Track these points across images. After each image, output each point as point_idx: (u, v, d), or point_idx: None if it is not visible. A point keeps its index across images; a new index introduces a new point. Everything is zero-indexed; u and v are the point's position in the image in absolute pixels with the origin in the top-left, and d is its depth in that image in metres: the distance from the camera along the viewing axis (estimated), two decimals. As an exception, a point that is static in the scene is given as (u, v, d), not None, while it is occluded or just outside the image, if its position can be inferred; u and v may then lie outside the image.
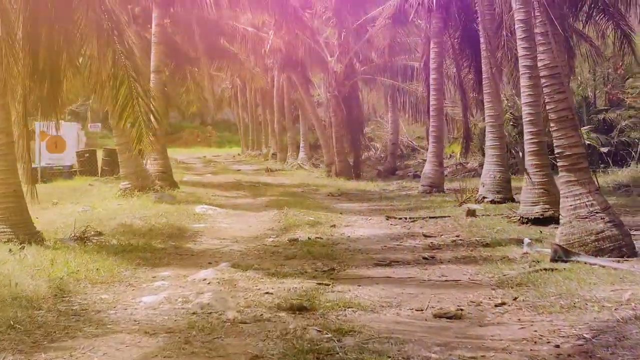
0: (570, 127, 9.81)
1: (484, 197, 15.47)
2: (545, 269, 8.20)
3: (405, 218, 13.91)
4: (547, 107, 10.03)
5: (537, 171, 12.46)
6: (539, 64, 10.05)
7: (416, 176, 24.81)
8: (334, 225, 12.84)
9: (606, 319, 6.08)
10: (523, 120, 12.88)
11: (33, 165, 25.17)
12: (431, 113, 19.84)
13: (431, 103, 19.81)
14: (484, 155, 28.58)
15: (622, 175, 21.24)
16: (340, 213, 14.98)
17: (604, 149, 22.95)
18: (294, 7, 23.28)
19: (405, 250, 10.26)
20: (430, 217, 13.84)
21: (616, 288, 7.24)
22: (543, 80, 10.00)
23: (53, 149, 27.07)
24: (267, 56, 29.88)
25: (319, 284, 7.62)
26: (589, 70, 25.42)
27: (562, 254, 8.93)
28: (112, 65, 11.43)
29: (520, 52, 12.64)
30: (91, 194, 18.90)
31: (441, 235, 11.68)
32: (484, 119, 28.46)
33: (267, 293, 7.19)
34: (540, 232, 11.31)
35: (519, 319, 6.32)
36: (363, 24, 24.94)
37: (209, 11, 23.04)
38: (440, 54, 19.66)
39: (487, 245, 10.43)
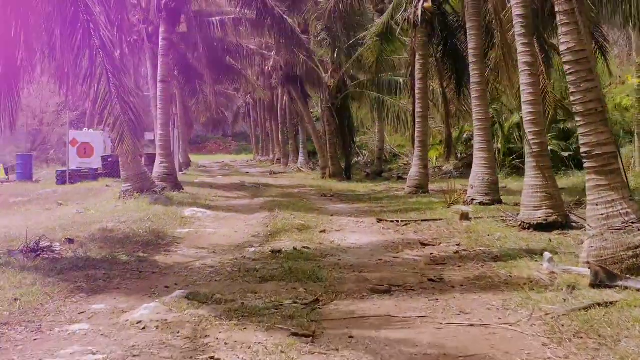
0: (599, 121, 6.27)
1: (472, 199, 11.86)
2: (598, 304, 4.66)
3: (397, 221, 10.31)
4: (572, 99, 6.48)
5: (538, 173, 8.93)
6: (561, 47, 6.50)
7: (400, 178, 21.47)
8: (323, 231, 9.25)
9: None
10: (523, 119, 9.33)
11: (63, 169, 22.42)
12: (417, 120, 16.30)
13: (417, 110, 16.30)
14: (457, 159, 25.42)
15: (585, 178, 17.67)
16: (331, 215, 11.34)
17: (565, 154, 19.75)
18: (292, 28, 19.84)
19: (404, 266, 6.64)
20: (422, 220, 10.27)
21: None
22: (567, 67, 6.43)
23: (82, 154, 23.62)
24: (270, 75, 26.67)
25: (294, 335, 4.06)
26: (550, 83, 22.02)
27: (605, 278, 5.42)
28: (90, 63, 8.02)
29: (520, 48, 9.16)
30: (100, 195, 15.43)
31: (440, 243, 8.09)
32: (457, 127, 25.24)
33: (211, 359, 3.63)
34: (550, 240, 7.78)
35: None
36: (353, 44, 21.59)
37: (215, 31, 19.81)
38: (425, 66, 16.17)
39: (496, 258, 6.88)
